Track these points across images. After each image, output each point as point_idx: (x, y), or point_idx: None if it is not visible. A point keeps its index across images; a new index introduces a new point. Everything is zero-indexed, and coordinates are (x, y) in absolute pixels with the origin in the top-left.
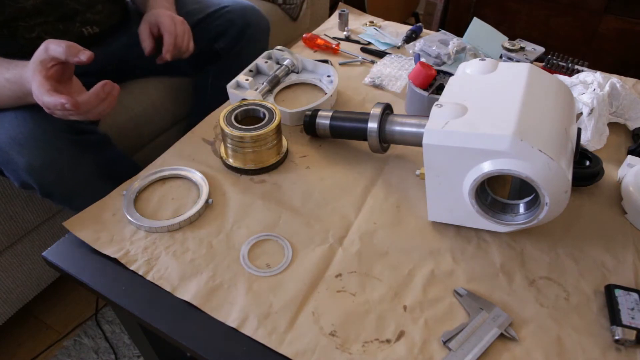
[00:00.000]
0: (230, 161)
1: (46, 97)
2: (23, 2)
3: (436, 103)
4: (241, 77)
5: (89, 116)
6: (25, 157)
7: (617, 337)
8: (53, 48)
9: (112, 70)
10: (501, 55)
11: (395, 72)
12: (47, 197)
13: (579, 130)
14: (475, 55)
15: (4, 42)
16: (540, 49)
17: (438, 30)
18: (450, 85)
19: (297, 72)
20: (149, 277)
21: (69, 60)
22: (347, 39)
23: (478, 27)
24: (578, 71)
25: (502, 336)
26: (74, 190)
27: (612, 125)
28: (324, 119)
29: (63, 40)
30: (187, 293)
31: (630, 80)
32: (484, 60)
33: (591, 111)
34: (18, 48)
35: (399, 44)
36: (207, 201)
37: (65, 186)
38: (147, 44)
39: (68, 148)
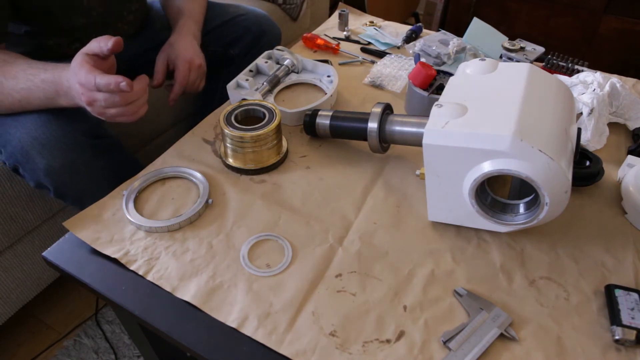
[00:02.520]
0: (230, 161)
1: (99, 78)
2: (86, 17)
3: (436, 103)
4: (241, 77)
5: (132, 109)
6: (46, 158)
7: (617, 337)
8: (93, 44)
9: (123, 72)
10: (501, 55)
11: (395, 72)
12: (60, 198)
13: (579, 130)
14: (475, 55)
15: (30, 40)
16: (540, 49)
17: (438, 30)
18: (450, 85)
19: (297, 72)
20: (149, 277)
21: (102, 50)
22: (347, 39)
23: (478, 27)
24: (578, 71)
25: (502, 336)
26: (86, 192)
27: (612, 125)
28: (324, 119)
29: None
30: (187, 293)
31: (630, 80)
32: (484, 60)
33: (591, 111)
34: (43, 48)
35: (399, 44)
36: (207, 201)
37: (79, 188)
38: (158, 77)
39: (85, 151)
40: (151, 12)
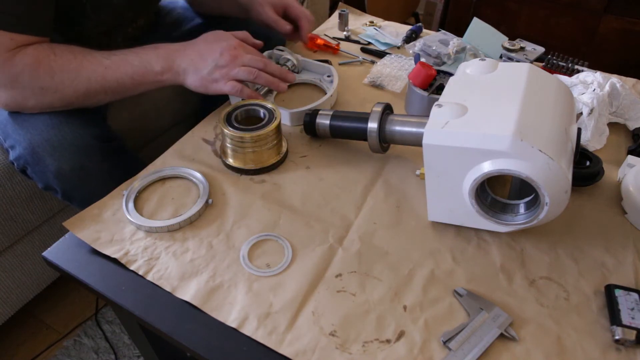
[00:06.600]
0: (230, 161)
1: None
2: (103, 17)
3: (436, 103)
4: None
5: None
6: (57, 160)
7: (617, 337)
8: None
9: None
10: (501, 55)
11: (395, 72)
12: (67, 200)
13: (579, 130)
14: (475, 55)
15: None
16: (540, 49)
17: (438, 30)
18: (450, 85)
19: (297, 72)
20: (149, 277)
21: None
22: (347, 39)
23: (478, 27)
24: (578, 71)
25: (502, 336)
26: (94, 194)
27: (612, 125)
28: (324, 119)
29: None
30: (187, 293)
31: (630, 80)
32: (484, 60)
33: (591, 111)
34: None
35: (399, 44)
36: (207, 201)
37: (87, 191)
38: (283, 24)
39: (95, 155)
40: (161, 13)
